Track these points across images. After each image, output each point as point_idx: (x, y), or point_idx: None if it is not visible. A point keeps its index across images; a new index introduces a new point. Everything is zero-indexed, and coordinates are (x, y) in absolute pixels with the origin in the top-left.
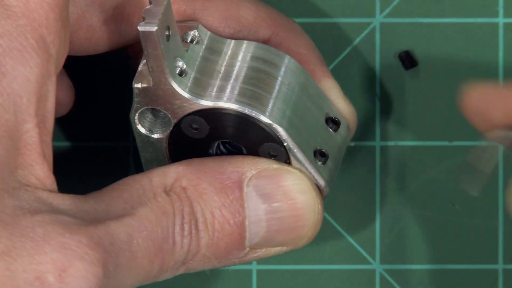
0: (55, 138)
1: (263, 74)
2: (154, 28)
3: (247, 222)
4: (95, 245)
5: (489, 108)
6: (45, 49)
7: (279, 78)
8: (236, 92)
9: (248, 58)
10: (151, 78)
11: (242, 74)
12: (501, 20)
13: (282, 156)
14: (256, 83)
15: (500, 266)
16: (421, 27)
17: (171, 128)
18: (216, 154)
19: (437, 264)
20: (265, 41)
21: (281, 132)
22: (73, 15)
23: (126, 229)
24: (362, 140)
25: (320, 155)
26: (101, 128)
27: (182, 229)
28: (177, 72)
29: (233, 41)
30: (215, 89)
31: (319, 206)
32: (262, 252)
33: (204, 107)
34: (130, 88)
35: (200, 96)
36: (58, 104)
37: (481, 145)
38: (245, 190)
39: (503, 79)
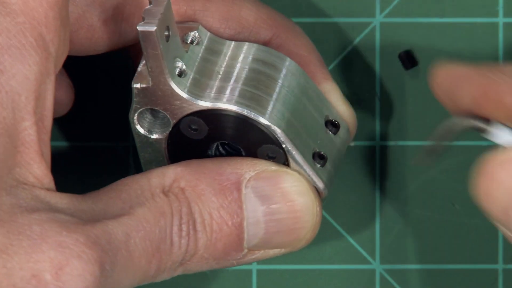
0: (55, 138)
1: (263, 76)
2: (154, 28)
3: (245, 224)
4: (92, 244)
5: (457, 89)
6: (44, 47)
7: (280, 81)
8: (236, 93)
9: (249, 60)
10: (150, 79)
11: (243, 76)
12: (501, 20)
13: (281, 158)
14: (256, 85)
15: (500, 266)
16: (421, 27)
17: (170, 129)
18: (215, 155)
19: (437, 264)
20: (266, 43)
21: (280, 134)
22: (74, 15)
23: (124, 228)
24: (362, 140)
25: (319, 157)
26: (101, 128)
27: (180, 229)
28: (176, 73)
29: (233, 42)
30: (214, 90)
31: (318, 209)
32: (260, 254)
33: (203, 108)
34: (130, 88)
35: (199, 97)
36: (58, 103)
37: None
38: (243, 192)
39: None
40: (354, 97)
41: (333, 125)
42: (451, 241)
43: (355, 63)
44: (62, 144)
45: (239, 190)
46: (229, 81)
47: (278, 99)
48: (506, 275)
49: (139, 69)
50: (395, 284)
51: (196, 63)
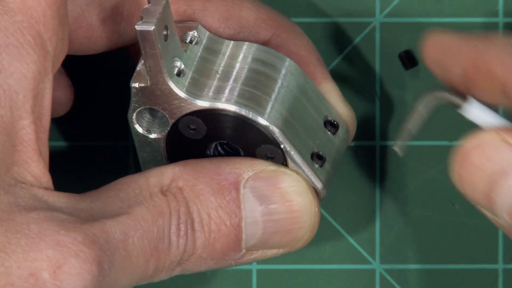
0: (54, 137)
1: (262, 77)
2: (152, 28)
3: (243, 224)
4: (90, 243)
5: (447, 59)
6: (42, 46)
7: (279, 81)
8: (235, 93)
9: (248, 60)
10: (148, 78)
11: (242, 75)
12: (501, 20)
13: (279, 158)
14: (255, 85)
15: (500, 266)
16: (421, 27)
17: (168, 128)
18: (214, 155)
19: (437, 264)
20: (265, 43)
21: (278, 134)
22: (73, 14)
23: (122, 227)
24: (362, 140)
25: (317, 157)
26: (100, 128)
27: (178, 229)
28: (175, 72)
29: (232, 42)
30: (212, 89)
31: (316, 209)
32: (258, 254)
33: (201, 108)
34: (129, 87)
35: (198, 96)
36: (57, 103)
37: (417, 105)
38: (241, 192)
39: None
40: (354, 97)
41: (332, 125)
42: (451, 241)
43: (355, 63)
44: (62, 143)
45: (237, 190)
46: (228, 80)
47: (277, 99)
48: (506, 275)
49: (137, 68)
50: (395, 284)
51: (195, 63)
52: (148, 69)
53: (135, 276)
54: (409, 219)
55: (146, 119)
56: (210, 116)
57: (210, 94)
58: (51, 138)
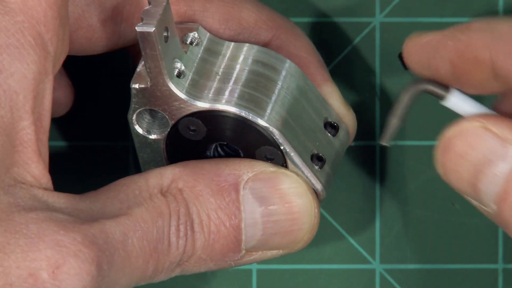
0: (55, 137)
1: (263, 78)
2: (152, 29)
3: (243, 225)
4: (90, 243)
5: (433, 58)
6: (42, 46)
7: (279, 83)
8: (235, 95)
9: (249, 61)
10: (149, 79)
11: (242, 77)
12: None
13: (279, 159)
14: (256, 87)
15: (500, 266)
16: (421, 27)
17: (168, 129)
18: (214, 156)
19: (437, 264)
20: (266, 44)
21: (278, 135)
22: (73, 15)
23: (121, 228)
24: (362, 140)
25: (317, 159)
26: (100, 128)
27: (178, 230)
28: (175, 74)
29: (232, 43)
30: (212, 91)
31: (316, 210)
32: (258, 255)
33: (201, 109)
34: (130, 88)
35: (198, 97)
36: (57, 103)
37: (400, 97)
38: (241, 193)
39: None
40: (354, 97)
41: (332, 127)
42: (451, 241)
43: (355, 63)
44: (62, 143)
45: (237, 191)
46: (228, 82)
47: (277, 100)
48: (506, 275)
49: (138, 69)
50: (395, 284)
51: (195, 64)
52: (148, 70)
53: (134, 276)
54: (409, 219)
55: (146, 120)
56: (210, 117)
57: (210, 95)
58: (51, 138)
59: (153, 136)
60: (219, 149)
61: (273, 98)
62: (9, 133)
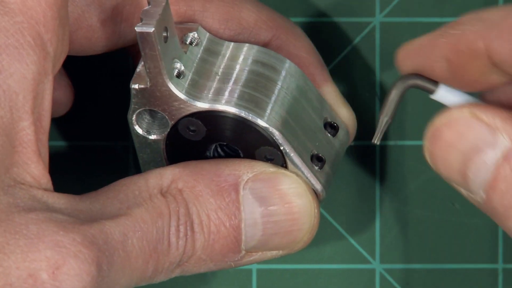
0: (55, 137)
1: (263, 78)
2: (151, 29)
3: (243, 225)
4: (89, 244)
5: (429, 60)
6: (42, 46)
7: (279, 83)
8: (235, 95)
9: (249, 61)
10: (148, 79)
11: (242, 77)
12: None
13: (279, 160)
14: (255, 87)
15: (500, 266)
16: (421, 26)
17: (168, 130)
18: (213, 157)
19: (437, 263)
20: (266, 44)
21: (278, 136)
22: (73, 15)
23: (121, 228)
24: (362, 140)
25: (317, 159)
26: (100, 128)
27: (178, 230)
28: (174, 74)
29: (232, 43)
30: (212, 91)
31: (316, 210)
32: (258, 256)
33: (200, 109)
34: (130, 88)
35: (197, 98)
36: (57, 103)
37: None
38: (241, 193)
39: None
40: (354, 97)
41: (332, 127)
42: (451, 241)
43: (355, 63)
44: (62, 143)
45: (237, 191)
46: (228, 82)
47: (277, 101)
48: (506, 275)
49: (137, 69)
50: (395, 284)
51: (195, 64)
52: (147, 70)
53: (134, 277)
54: (409, 219)
55: (146, 120)
56: (209, 117)
57: (210, 95)
58: (51, 138)
59: (153, 137)
60: (219, 150)
61: (273, 98)
62: (8, 133)
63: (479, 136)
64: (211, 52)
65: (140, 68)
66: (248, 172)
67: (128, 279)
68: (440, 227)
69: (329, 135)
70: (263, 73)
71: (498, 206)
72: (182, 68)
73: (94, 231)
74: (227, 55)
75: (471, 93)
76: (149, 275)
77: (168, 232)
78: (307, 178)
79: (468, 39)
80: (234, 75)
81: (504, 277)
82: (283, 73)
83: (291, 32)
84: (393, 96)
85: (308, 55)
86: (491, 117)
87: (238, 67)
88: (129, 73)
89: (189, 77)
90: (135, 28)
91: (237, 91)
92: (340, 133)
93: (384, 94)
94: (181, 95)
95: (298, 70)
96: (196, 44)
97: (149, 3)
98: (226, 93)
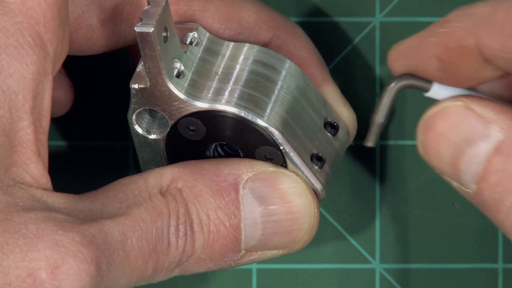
0: (55, 137)
1: (263, 78)
2: (151, 29)
3: (242, 225)
4: (88, 243)
5: (420, 59)
6: (41, 46)
7: (279, 83)
8: (235, 95)
9: (249, 61)
10: (148, 79)
11: (243, 77)
12: None
13: (279, 159)
14: (255, 87)
15: (500, 266)
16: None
17: (168, 129)
18: (213, 156)
19: (437, 263)
20: (266, 44)
21: (278, 135)
22: (73, 15)
23: (120, 228)
24: (362, 140)
25: (317, 159)
26: (100, 128)
27: (177, 230)
28: (174, 74)
29: (232, 43)
30: (211, 91)
31: (315, 210)
32: (257, 255)
33: (200, 109)
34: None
35: (197, 98)
36: (57, 103)
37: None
38: (241, 193)
39: None
40: (354, 97)
41: (332, 126)
42: (451, 240)
43: (355, 63)
44: (62, 143)
45: (236, 191)
46: (228, 82)
47: (277, 101)
48: (506, 275)
49: (137, 69)
50: (395, 284)
51: (195, 64)
52: (147, 70)
53: (133, 276)
54: (409, 219)
55: (145, 120)
56: (209, 117)
57: (209, 95)
58: (51, 138)
59: (152, 136)
60: (219, 149)
61: (273, 98)
62: (8, 133)
63: (471, 128)
64: (211, 52)
65: (140, 68)
66: (248, 171)
67: (127, 279)
68: (440, 227)
69: (329, 134)
70: (263, 73)
71: (489, 199)
72: (182, 68)
73: (94, 231)
74: (227, 55)
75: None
76: (148, 274)
77: (167, 232)
78: (306, 177)
79: (458, 36)
80: (234, 75)
81: (504, 277)
82: (283, 73)
83: (291, 32)
84: (386, 98)
85: (309, 55)
86: (484, 109)
87: (238, 67)
88: (129, 73)
89: (189, 77)
90: (135, 28)
91: (237, 91)
92: (340, 133)
93: None
94: (181, 95)
95: (298, 70)
96: (196, 44)
97: (149, 3)
98: (226, 93)
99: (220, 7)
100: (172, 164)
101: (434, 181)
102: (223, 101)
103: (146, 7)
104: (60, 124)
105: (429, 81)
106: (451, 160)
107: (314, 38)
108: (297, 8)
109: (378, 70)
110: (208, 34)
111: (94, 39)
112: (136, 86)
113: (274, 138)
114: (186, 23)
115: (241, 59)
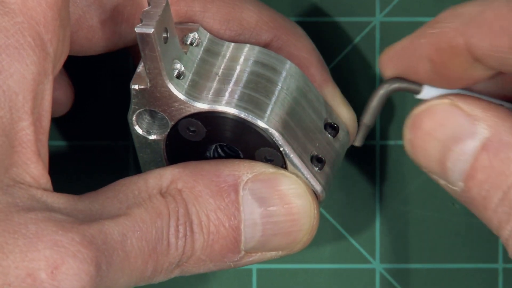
0: (55, 137)
1: (263, 79)
2: (151, 30)
3: (242, 226)
4: (88, 243)
5: (412, 62)
6: (42, 47)
7: (279, 84)
8: (235, 96)
9: (250, 62)
10: (148, 80)
11: (243, 78)
12: None
13: (279, 161)
14: (256, 88)
15: (500, 265)
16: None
17: (168, 130)
18: (214, 157)
19: (437, 263)
20: (266, 45)
21: (278, 137)
22: (74, 15)
23: (120, 228)
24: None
25: (317, 160)
26: (100, 128)
27: (177, 230)
28: (174, 75)
29: (232, 44)
30: (212, 92)
31: (315, 211)
32: (257, 256)
33: (200, 110)
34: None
35: (197, 99)
36: (57, 103)
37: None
38: (241, 194)
39: None
40: (354, 97)
41: (332, 128)
42: (451, 240)
43: (355, 63)
44: (62, 143)
45: (236, 192)
46: (229, 83)
47: (277, 102)
48: (506, 275)
49: (137, 70)
50: (395, 284)
51: (195, 65)
52: (147, 71)
53: (133, 277)
54: (409, 219)
55: (146, 120)
56: (209, 118)
57: (210, 96)
58: (51, 138)
59: (153, 137)
60: (219, 150)
61: (273, 99)
62: (8, 133)
63: (458, 126)
64: (212, 53)
65: (140, 68)
66: (248, 172)
67: (127, 279)
68: (440, 227)
69: (329, 136)
70: (264, 74)
71: (476, 196)
72: (182, 68)
73: (93, 231)
74: (228, 56)
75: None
76: (148, 275)
77: (167, 232)
78: (306, 179)
79: (448, 36)
80: (235, 76)
81: (504, 277)
82: (284, 74)
83: (292, 33)
84: (375, 101)
85: (309, 55)
86: (471, 107)
87: (238, 68)
88: (129, 73)
89: (189, 78)
90: (135, 29)
91: (238, 92)
92: (341, 134)
93: None
94: (181, 96)
95: (299, 71)
96: (197, 45)
97: (149, 4)
98: (227, 94)
99: (221, 8)
100: (172, 165)
101: (434, 181)
102: (224, 102)
103: (147, 8)
104: (60, 124)
105: (419, 84)
106: (438, 158)
107: (314, 38)
108: (297, 8)
109: (378, 70)
110: (208, 34)
111: (95, 39)
112: (136, 86)
113: (274, 139)
114: (187, 24)
115: (242, 60)
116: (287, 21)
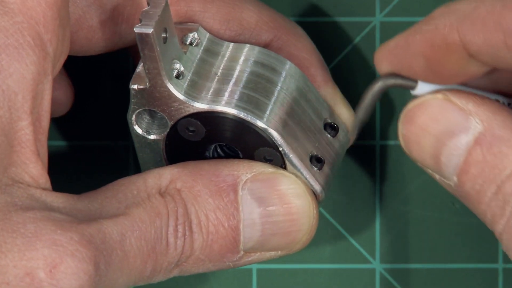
0: (55, 137)
1: (263, 80)
2: (150, 30)
3: (241, 226)
4: (87, 243)
5: (407, 58)
6: (41, 47)
7: (279, 84)
8: (235, 96)
9: (250, 63)
10: (147, 80)
11: (243, 78)
12: None
13: (278, 161)
14: (255, 88)
15: (500, 266)
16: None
17: (168, 130)
18: (213, 157)
19: (437, 263)
20: (266, 45)
21: (277, 137)
22: (74, 15)
23: (119, 228)
24: (362, 140)
25: (316, 160)
26: (100, 128)
27: (176, 230)
28: (174, 75)
29: (231, 44)
30: (211, 92)
31: (314, 211)
32: (256, 256)
33: (199, 110)
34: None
35: (196, 98)
36: (57, 103)
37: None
38: (240, 193)
39: None
40: (354, 97)
41: (332, 128)
42: (451, 240)
43: (355, 62)
44: (62, 143)
45: (235, 192)
46: (228, 83)
47: (276, 102)
48: (506, 275)
49: (137, 70)
50: (395, 284)
51: (195, 65)
52: (147, 71)
53: (132, 276)
54: (409, 219)
55: (145, 120)
56: (208, 118)
57: (209, 96)
58: (51, 138)
59: (152, 137)
60: (218, 150)
61: (273, 99)
62: (7, 133)
63: (452, 120)
64: (211, 53)
65: (139, 68)
66: (247, 172)
67: (126, 279)
68: (440, 227)
69: (329, 136)
70: (263, 74)
71: (470, 190)
72: (182, 68)
73: (92, 230)
74: (227, 56)
75: None
76: (147, 274)
77: (166, 232)
78: (306, 179)
79: (443, 33)
80: (234, 76)
81: (504, 277)
82: (283, 74)
83: (292, 33)
84: (369, 97)
85: (309, 55)
86: (464, 101)
87: (238, 68)
88: (129, 73)
89: (188, 78)
90: (134, 29)
91: (237, 92)
92: (340, 134)
93: (384, 94)
94: (180, 96)
95: (299, 71)
96: (196, 45)
97: (148, 4)
98: (226, 94)
99: (221, 8)
100: (171, 165)
101: (434, 181)
102: (223, 102)
103: (146, 8)
104: (60, 124)
105: (414, 80)
106: (432, 152)
107: (314, 38)
108: (297, 8)
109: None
110: (208, 34)
111: (95, 39)
112: (135, 86)
113: (273, 139)
114: (186, 24)
115: (242, 60)
116: (287, 21)
